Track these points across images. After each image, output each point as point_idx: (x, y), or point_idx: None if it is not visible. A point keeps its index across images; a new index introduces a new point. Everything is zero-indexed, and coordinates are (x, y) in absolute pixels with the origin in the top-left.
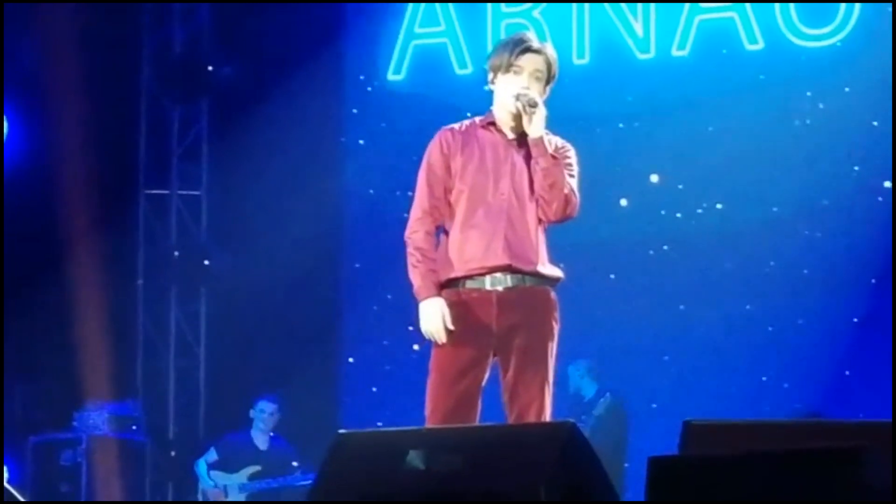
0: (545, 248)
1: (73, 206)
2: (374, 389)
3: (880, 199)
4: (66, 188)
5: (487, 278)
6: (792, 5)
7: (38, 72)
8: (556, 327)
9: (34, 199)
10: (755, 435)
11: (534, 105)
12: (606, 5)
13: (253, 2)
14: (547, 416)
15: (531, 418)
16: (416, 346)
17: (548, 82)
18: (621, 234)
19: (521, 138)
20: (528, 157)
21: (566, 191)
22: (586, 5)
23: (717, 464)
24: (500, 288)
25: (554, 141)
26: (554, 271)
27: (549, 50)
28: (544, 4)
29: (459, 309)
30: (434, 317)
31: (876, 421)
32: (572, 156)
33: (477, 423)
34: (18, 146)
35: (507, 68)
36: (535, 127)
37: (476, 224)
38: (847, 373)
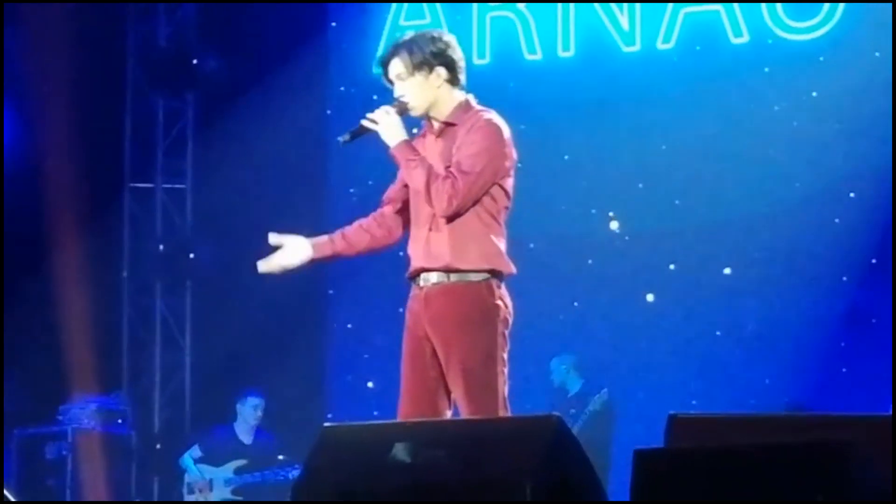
0: (481, 242)
1: (57, 199)
2: (361, 382)
3: (867, 192)
4: (51, 181)
5: (420, 276)
6: None
7: (22, 66)
8: (489, 320)
9: (19, 193)
10: (740, 428)
11: (364, 130)
12: None
13: None
14: (478, 409)
15: (462, 411)
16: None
17: (420, 66)
18: (606, 228)
19: (440, 134)
20: (445, 152)
21: (430, 190)
22: None
23: (702, 457)
24: (428, 284)
25: (468, 119)
26: (475, 264)
27: (405, 39)
28: None
29: (407, 306)
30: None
31: (862, 415)
32: (477, 128)
33: (445, 416)
34: (2, 140)
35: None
36: (386, 140)
37: (414, 226)
38: (844, 370)
